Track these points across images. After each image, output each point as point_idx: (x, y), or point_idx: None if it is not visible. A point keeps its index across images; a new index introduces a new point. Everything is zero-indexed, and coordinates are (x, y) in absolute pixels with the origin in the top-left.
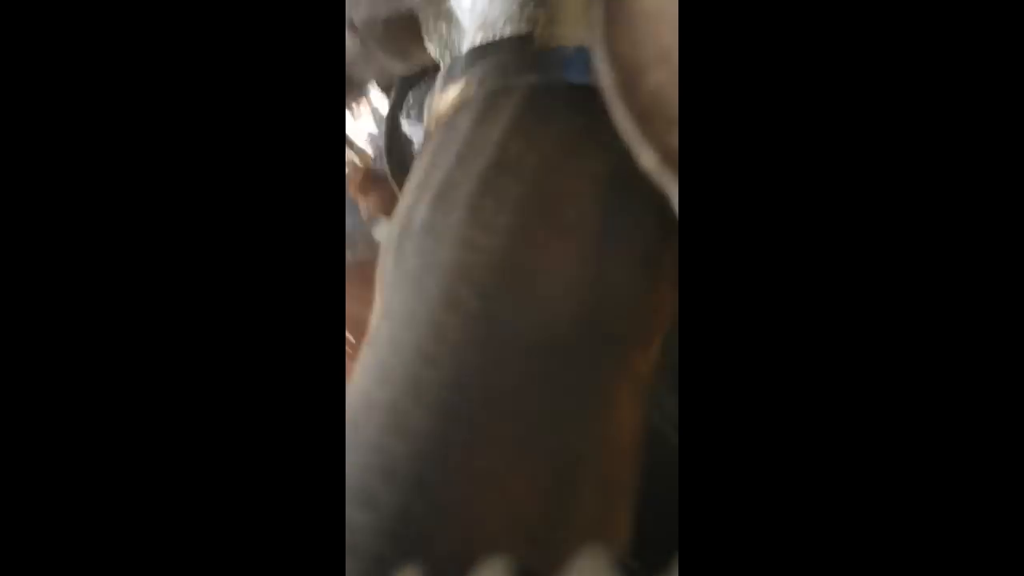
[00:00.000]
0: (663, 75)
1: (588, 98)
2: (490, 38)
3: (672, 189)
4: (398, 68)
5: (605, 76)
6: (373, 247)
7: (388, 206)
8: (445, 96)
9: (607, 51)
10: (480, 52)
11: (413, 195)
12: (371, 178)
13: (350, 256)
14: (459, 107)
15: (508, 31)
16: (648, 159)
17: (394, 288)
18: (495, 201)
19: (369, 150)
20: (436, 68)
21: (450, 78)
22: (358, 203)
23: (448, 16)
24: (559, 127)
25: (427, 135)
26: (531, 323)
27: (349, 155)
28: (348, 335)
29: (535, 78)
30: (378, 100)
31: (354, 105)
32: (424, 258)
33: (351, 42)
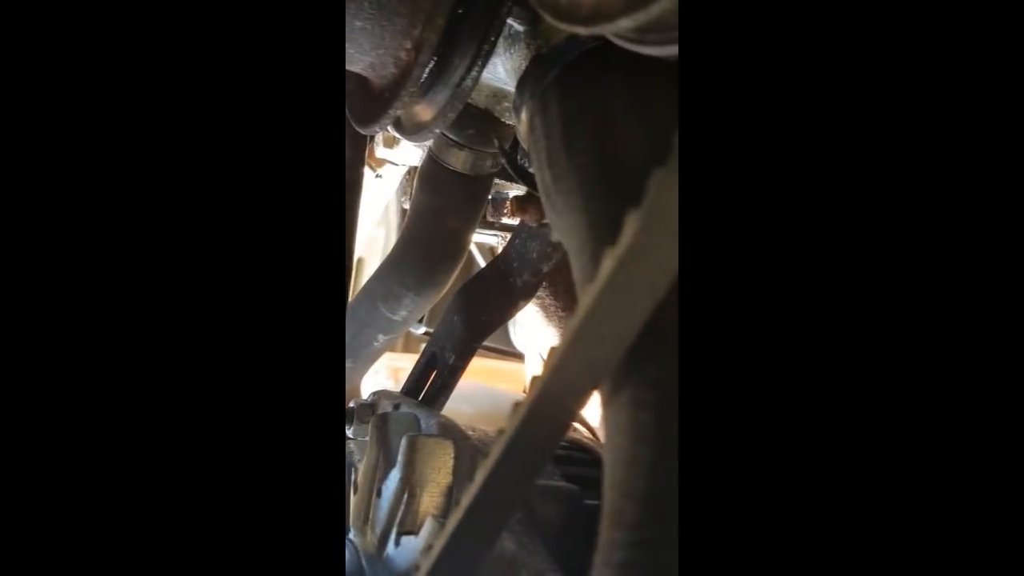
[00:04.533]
0: None
1: None
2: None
3: None
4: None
5: None
6: None
7: (541, 211)
8: (521, 122)
9: None
10: (519, 86)
11: (542, 193)
12: (523, 199)
13: None
14: (529, 123)
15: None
16: None
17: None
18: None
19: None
20: None
21: (516, 110)
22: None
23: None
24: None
25: (529, 151)
26: None
27: (510, 189)
28: None
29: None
30: None
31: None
32: (562, 206)
33: None
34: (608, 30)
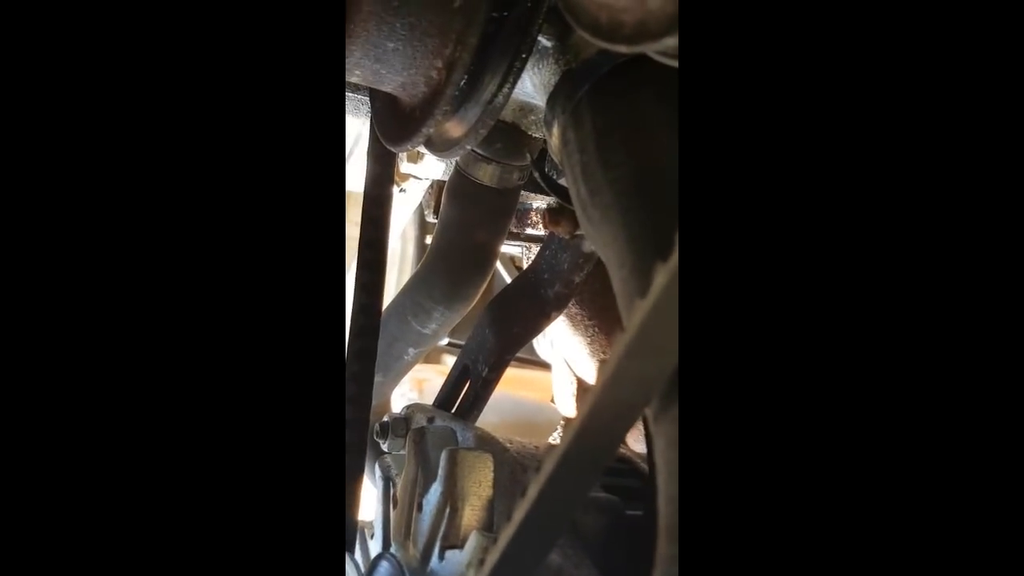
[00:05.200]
0: None
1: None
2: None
3: None
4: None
5: None
6: None
7: (573, 223)
8: (553, 136)
9: None
10: (550, 101)
11: (577, 207)
12: (555, 211)
13: None
14: (561, 137)
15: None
16: None
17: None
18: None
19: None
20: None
21: (547, 125)
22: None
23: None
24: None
25: (562, 164)
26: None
27: (533, 200)
28: None
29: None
30: None
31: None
32: (599, 219)
33: None
34: (651, 48)
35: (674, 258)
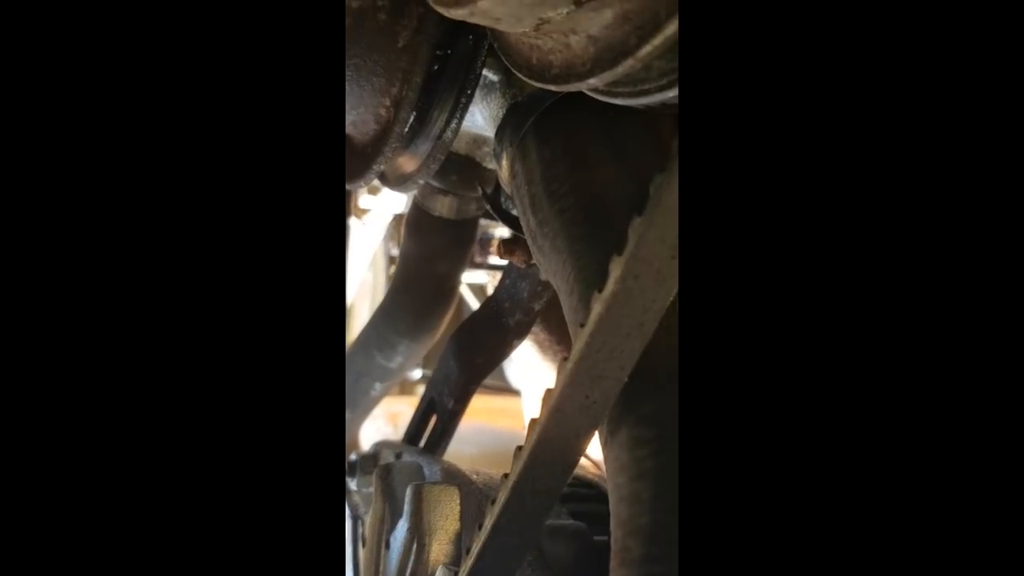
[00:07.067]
0: None
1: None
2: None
3: None
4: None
5: None
6: None
7: (527, 253)
8: (502, 168)
9: None
10: (498, 133)
11: (528, 237)
12: (509, 241)
13: None
14: (510, 169)
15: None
16: None
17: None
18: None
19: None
20: None
21: (496, 157)
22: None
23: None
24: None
25: (512, 196)
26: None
27: (495, 229)
28: None
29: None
30: None
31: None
32: (548, 249)
33: None
34: (579, 87)
35: (609, 288)
